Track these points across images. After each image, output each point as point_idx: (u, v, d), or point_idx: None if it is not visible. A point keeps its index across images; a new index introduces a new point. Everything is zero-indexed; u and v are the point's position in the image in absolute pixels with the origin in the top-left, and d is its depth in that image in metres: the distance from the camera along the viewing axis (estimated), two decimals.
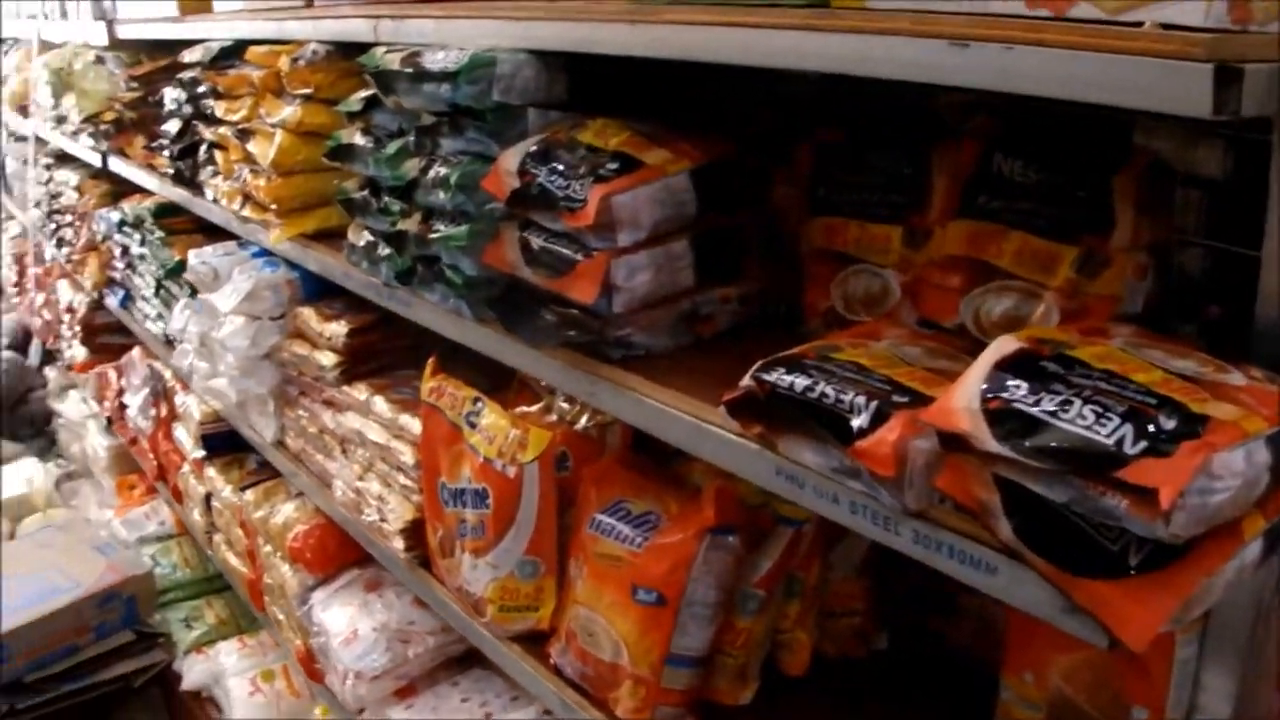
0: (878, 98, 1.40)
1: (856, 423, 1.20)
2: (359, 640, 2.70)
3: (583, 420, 2.15)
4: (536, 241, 1.73)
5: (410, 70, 1.96)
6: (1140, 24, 1.01)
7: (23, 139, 5.96)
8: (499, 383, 2.36)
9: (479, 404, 2.09)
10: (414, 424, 2.37)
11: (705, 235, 1.69)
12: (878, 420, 1.18)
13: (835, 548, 1.86)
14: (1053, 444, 1.01)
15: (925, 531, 1.21)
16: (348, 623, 2.76)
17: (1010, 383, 1.07)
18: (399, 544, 2.46)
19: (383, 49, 2.12)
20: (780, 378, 1.30)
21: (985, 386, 1.07)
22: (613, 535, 1.84)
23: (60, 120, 4.88)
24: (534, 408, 2.26)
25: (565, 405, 2.21)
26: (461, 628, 2.28)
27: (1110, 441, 0.98)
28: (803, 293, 1.66)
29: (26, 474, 5.45)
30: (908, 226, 1.47)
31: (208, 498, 3.83)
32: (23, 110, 5.86)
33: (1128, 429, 0.99)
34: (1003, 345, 1.12)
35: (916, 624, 1.96)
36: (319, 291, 2.94)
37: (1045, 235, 1.32)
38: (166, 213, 3.92)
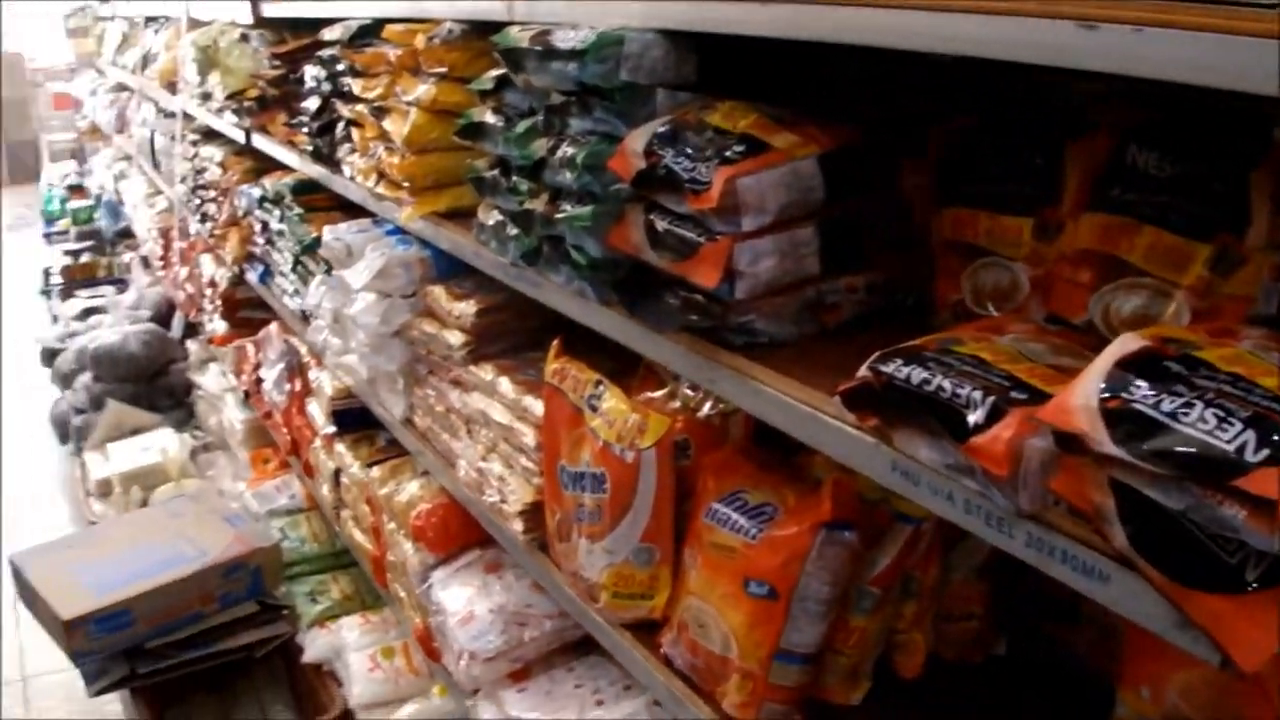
0: (1011, 83, 1.37)
1: (972, 418, 1.18)
2: (475, 621, 2.73)
3: (705, 408, 2.15)
4: (661, 224, 1.73)
5: (539, 48, 1.97)
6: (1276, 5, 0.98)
7: (171, 115, 6.14)
8: (627, 368, 2.37)
9: (601, 387, 2.10)
10: (537, 406, 2.39)
11: (832, 222, 1.67)
12: (994, 417, 1.16)
13: (955, 549, 1.83)
14: (1171, 448, 0.98)
15: (1038, 534, 1.18)
16: (465, 603, 2.80)
17: (1131, 382, 1.04)
18: (518, 526, 2.48)
19: (516, 28, 2.14)
20: (897, 369, 1.29)
21: (1104, 385, 1.05)
22: (728, 525, 1.84)
23: (206, 97, 5.01)
24: (658, 394, 2.27)
25: (689, 392, 2.21)
26: (576, 613, 2.30)
27: (1231, 448, 0.95)
28: (932, 284, 1.63)
29: (162, 444, 5.60)
30: (1039, 219, 1.44)
31: (337, 473, 3.90)
32: (171, 87, 6.03)
33: (1250, 436, 0.96)
34: (1126, 343, 1.09)
35: (1035, 630, 1.93)
36: (450, 270, 2.97)
37: (1178, 231, 1.28)
38: (305, 189, 4.01)
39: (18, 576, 4.00)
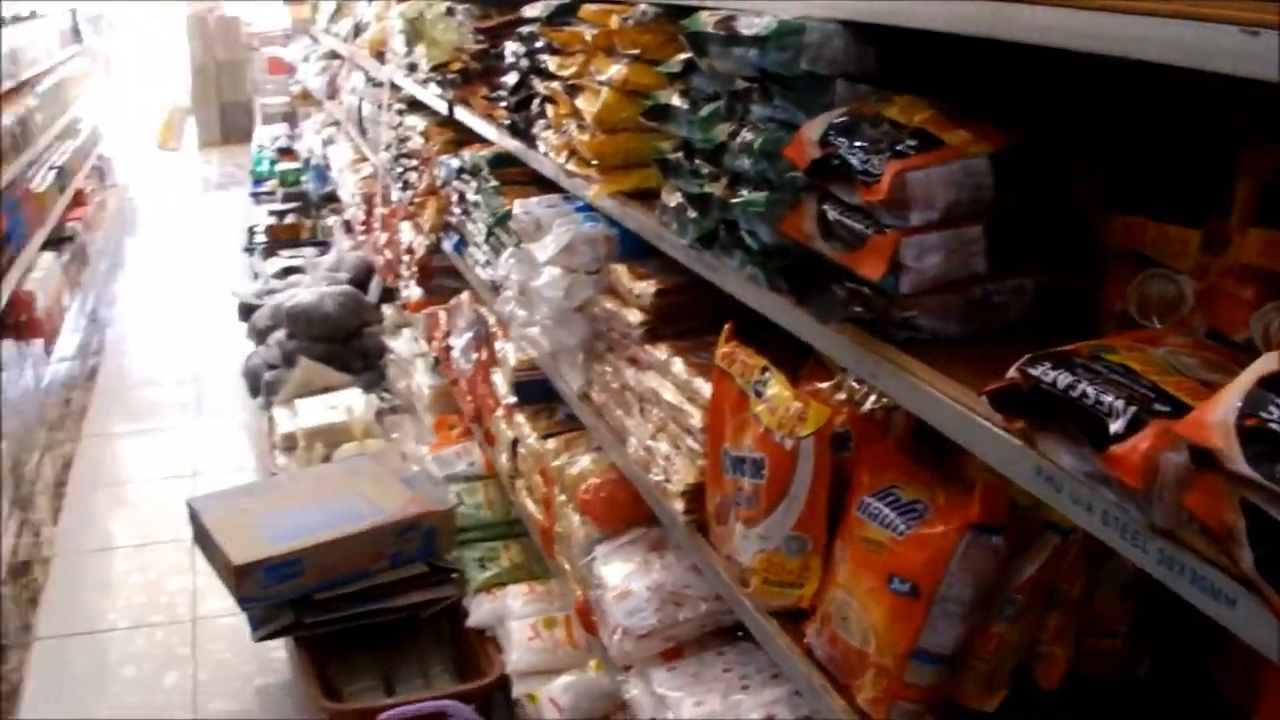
0: (1183, 89, 1.36)
1: (1113, 427, 1.19)
2: (632, 597, 2.79)
3: (869, 402, 2.17)
4: (832, 214, 1.76)
5: (723, 33, 2.02)
6: None
7: (378, 84, 6.34)
8: (801, 356, 2.40)
9: (766, 373, 2.14)
10: (707, 388, 2.44)
11: (1001, 222, 1.68)
12: (1134, 427, 1.17)
13: (1103, 564, 1.82)
14: None
15: (1170, 552, 1.18)
16: (624, 579, 2.86)
17: (1272, 401, 1.04)
18: (679, 506, 2.54)
19: (705, 13, 2.19)
20: (1045, 372, 1.30)
21: (1243, 402, 1.04)
22: (878, 520, 1.86)
23: (412, 68, 5.17)
24: (826, 384, 2.30)
25: (855, 385, 2.23)
26: (728, 596, 2.34)
27: None
28: (1099, 292, 1.63)
29: (349, 403, 5.80)
30: (1206, 231, 1.43)
31: (515, 443, 4.00)
32: (380, 56, 6.23)
33: None
34: (1270, 361, 1.08)
35: (1181, 653, 1.90)
36: (635, 250, 3.03)
37: None
38: (502, 163, 4.12)
39: (195, 520, 4.20)
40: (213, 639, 4.74)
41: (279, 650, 4.44)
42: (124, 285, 10.27)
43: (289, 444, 5.76)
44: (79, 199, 10.12)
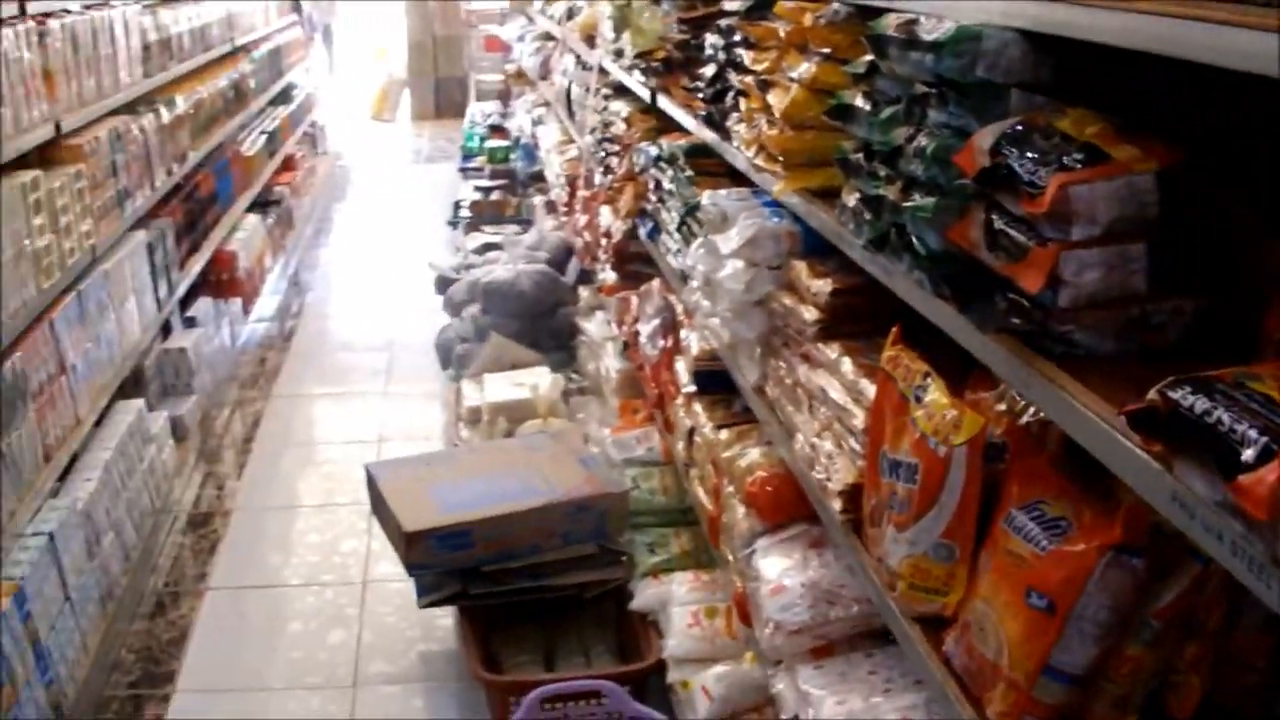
0: None
1: (1244, 456, 1.19)
2: (786, 592, 2.83)
3: (1028, 414, 2.17)
4: (998, 223, 1.78)
5: (902, 37, 2.05)
6: None
7: (587, 68, 6.46)
8: (971, 363, 2.40)
9: (927, 379, 2.16)
10: (872, 390, 2.46)
11: (1164, 241, 1.67)
12: (1264, 458, 1.17)
13: (1247, 596, 1.79)
14: None
15: None
16: (780, 574, 2.90)
17: None
18: (837, 505, 2.57)
19: (891, 15, 2.21)
20: (1184, 396, 1.30)
21: None
22: (1023, 534, 1.87)
23: (618, 54, 5.28)
24: (988, 394, 2.30)
25: (1016, 396, 2.24)
26: (875, 598, 2.37)
27: None
28: (1260, 319, 1.62)
29: (536, 381, 5.93)
30: None
31: (691, 431, 4.06)
32: (590, 41, 6.35)
33: None
34: None
35: None
36: (816, 247, 3.05)
37: None
38: (698, 153, 4.18)
39: (372, 485, 4.35)
40: (381, 602, 4.89)
41: (445, 618, 4.56)
42: (328, 251, 10.61)
43: (474, 417, 5.90)
44: (289, 164, 10.49)
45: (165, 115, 6.14)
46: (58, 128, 4.55)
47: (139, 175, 5.63)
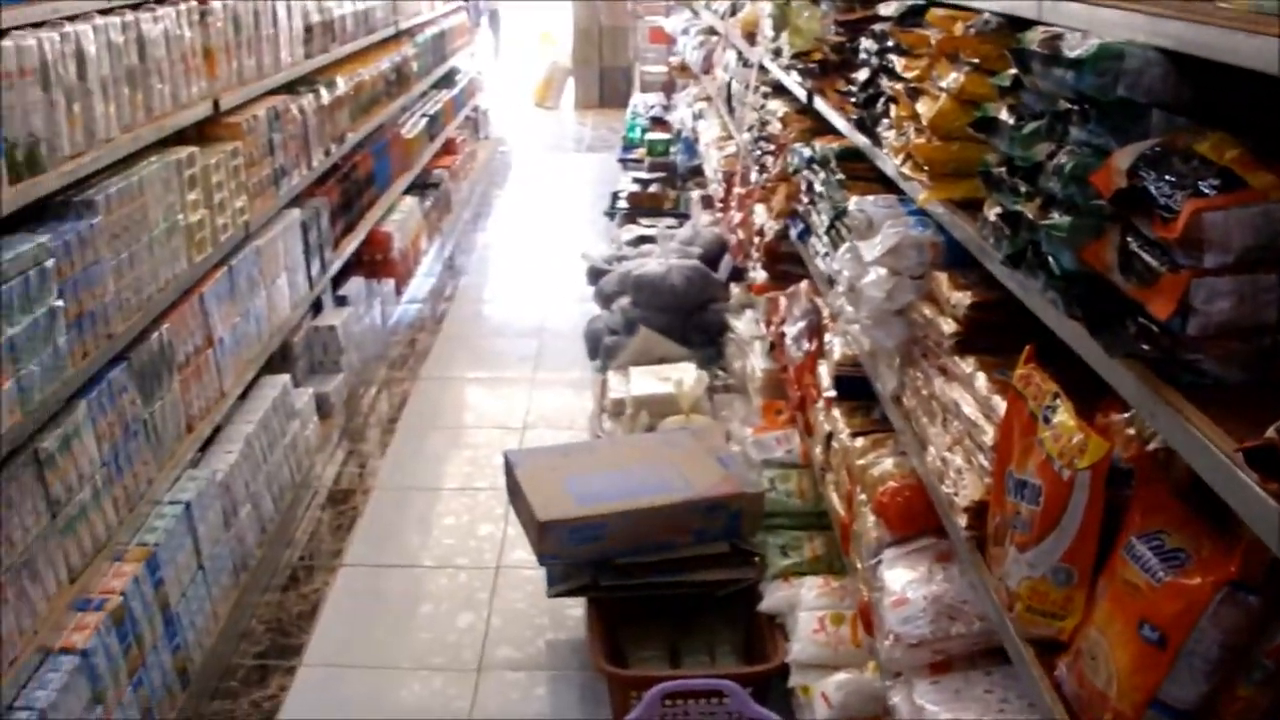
0: None
1: None
2: (908, 605, 2.83)
3: (1155, 441, 2.14)
4: (1132, 246, 1.76)
5: (1045, 53, 2.03)
6: None
7: (748, 65, 6.48)
8: (1105, 385, 2.38)
9: (1056, 400, 2.14)
10: (1003, 407, 2.45)
11: None
12: None
13: None
14: None
15: None
16: (904, 586, 2.90)
17: None
18: (962, 521, 2.56)
19: (1038, 29, 2.19)
20: None
21: None
22: (1140, 563, 1.85)
23: (777, 53, 5.28)
24: (1119, 417, 2.27)
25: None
26: (993, 617, 2.36)
27: None
28: None
29: (681, 376, 5.95)
30: None
31: (829, 436, 4.05)
32: (750, 38, 6.37)
33: None
34: None
35: None
36: (959, 259, 3.02)
37: None
38: (849, 157, 4.17)
39: (509, 472, 4.42)
40: (512, 588, 4.95)
41: (575, 608, 4.61)
42: (485, 235, 10.75)
43: (617, 409, 5.95)
44: (449, 148, 10.66)
45: (325, 96, 6.29)
46: (216, 105, 4.70)
47: (296, 154, 5.78)
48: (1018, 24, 2.49)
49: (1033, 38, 2.13)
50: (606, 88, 17.00)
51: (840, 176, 4.14)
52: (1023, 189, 2.23)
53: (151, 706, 3.75)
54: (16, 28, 3.23)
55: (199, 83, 4.53)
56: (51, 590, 3.32)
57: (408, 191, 8.73)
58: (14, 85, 3.17)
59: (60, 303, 3.35)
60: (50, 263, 3.29)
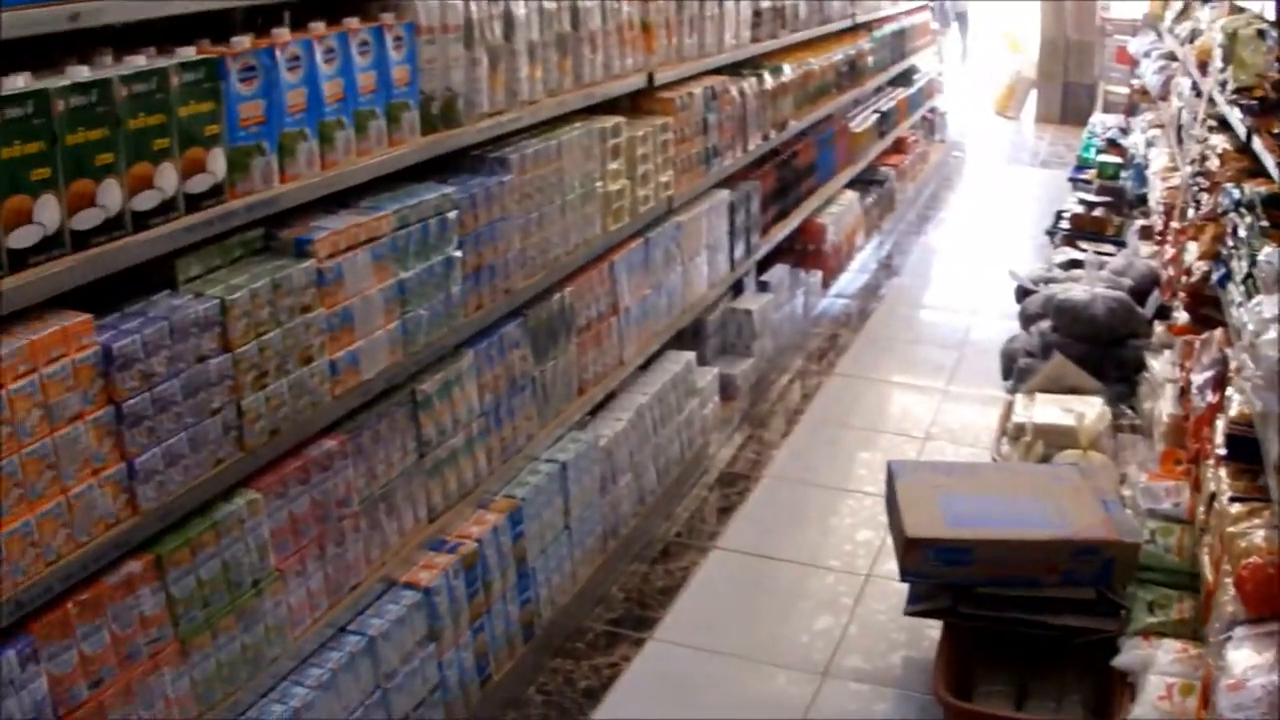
0: None
1: None
2: (1243, 691, 2.64)
3: None
4: None
5: None
6: None
7: (1198, 95, 6.15)
8: None
9: None
10: None
11: None
12: None
13: None
14: None
15: None
16: (1245, 669, 2.71)
17: None
18: None
19: None
20: None
21: None
22: None
23: (1223, 85, 5.00)
24: None
25: None
26: None
27: None
28: None
29: (1085, 409, 5.73)
30: None
31: (1212, 496, 3.84)
32: (1202, 67, 6.04)
33: None
34: None
35: None
36: None
37: None
38: (1276, 204, 3.92)
39: (889, 482, 4.39)
40: (877, 599, 4.93)
41: (934, 629, 4.53)
42: (926, 239, 10.63)
43: (1016, 434, 5.78)
44: (900, 146, 10.60)
45: (769, 81, 6.38)
46: (650, 79, 4.85)
47: (731, 136, 5.89)
48: None
49: None
50: (1069, 103, 16.45)
51: (1265, 224, 3.90)
52: None
53: (489, 653, 3.94)
54: None
55: (634, 55, 4.69)
56: (408, 526, 3.54)
57: (850, 185, 8.73)
58: (435, 40, 3.38)
59: (459, 253, 3.55)
60: (454, 214, 3.49)
